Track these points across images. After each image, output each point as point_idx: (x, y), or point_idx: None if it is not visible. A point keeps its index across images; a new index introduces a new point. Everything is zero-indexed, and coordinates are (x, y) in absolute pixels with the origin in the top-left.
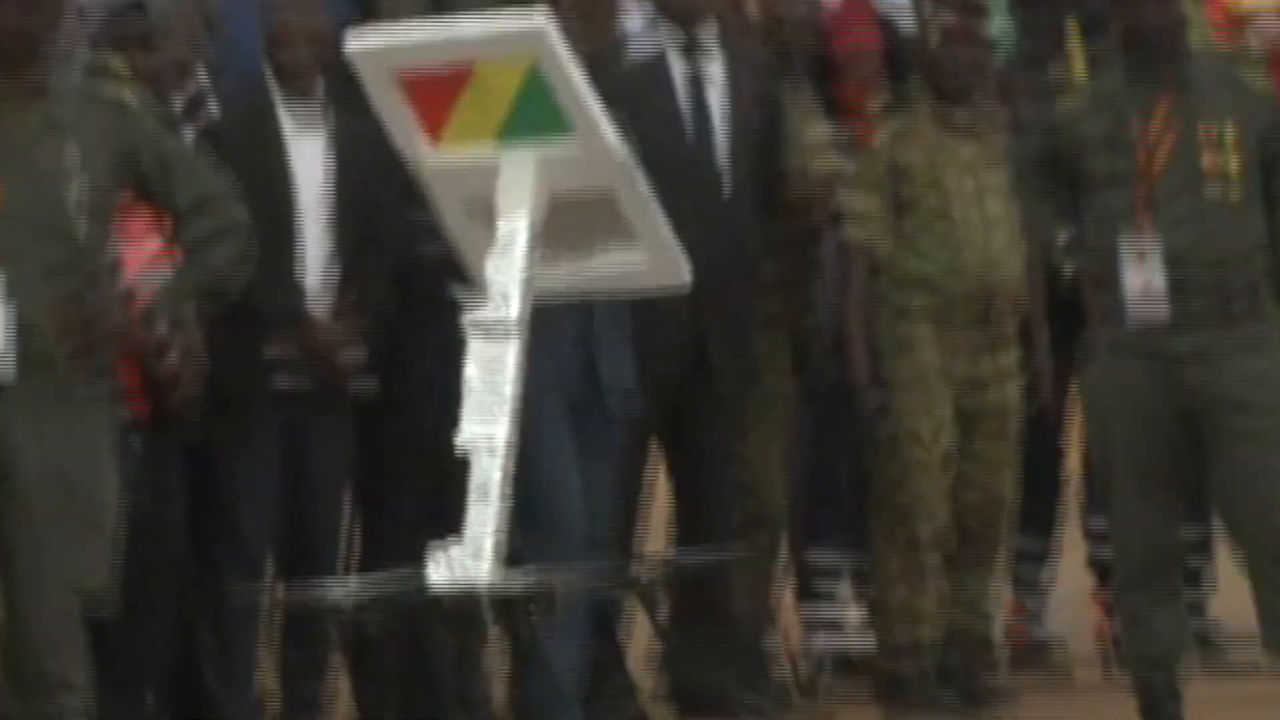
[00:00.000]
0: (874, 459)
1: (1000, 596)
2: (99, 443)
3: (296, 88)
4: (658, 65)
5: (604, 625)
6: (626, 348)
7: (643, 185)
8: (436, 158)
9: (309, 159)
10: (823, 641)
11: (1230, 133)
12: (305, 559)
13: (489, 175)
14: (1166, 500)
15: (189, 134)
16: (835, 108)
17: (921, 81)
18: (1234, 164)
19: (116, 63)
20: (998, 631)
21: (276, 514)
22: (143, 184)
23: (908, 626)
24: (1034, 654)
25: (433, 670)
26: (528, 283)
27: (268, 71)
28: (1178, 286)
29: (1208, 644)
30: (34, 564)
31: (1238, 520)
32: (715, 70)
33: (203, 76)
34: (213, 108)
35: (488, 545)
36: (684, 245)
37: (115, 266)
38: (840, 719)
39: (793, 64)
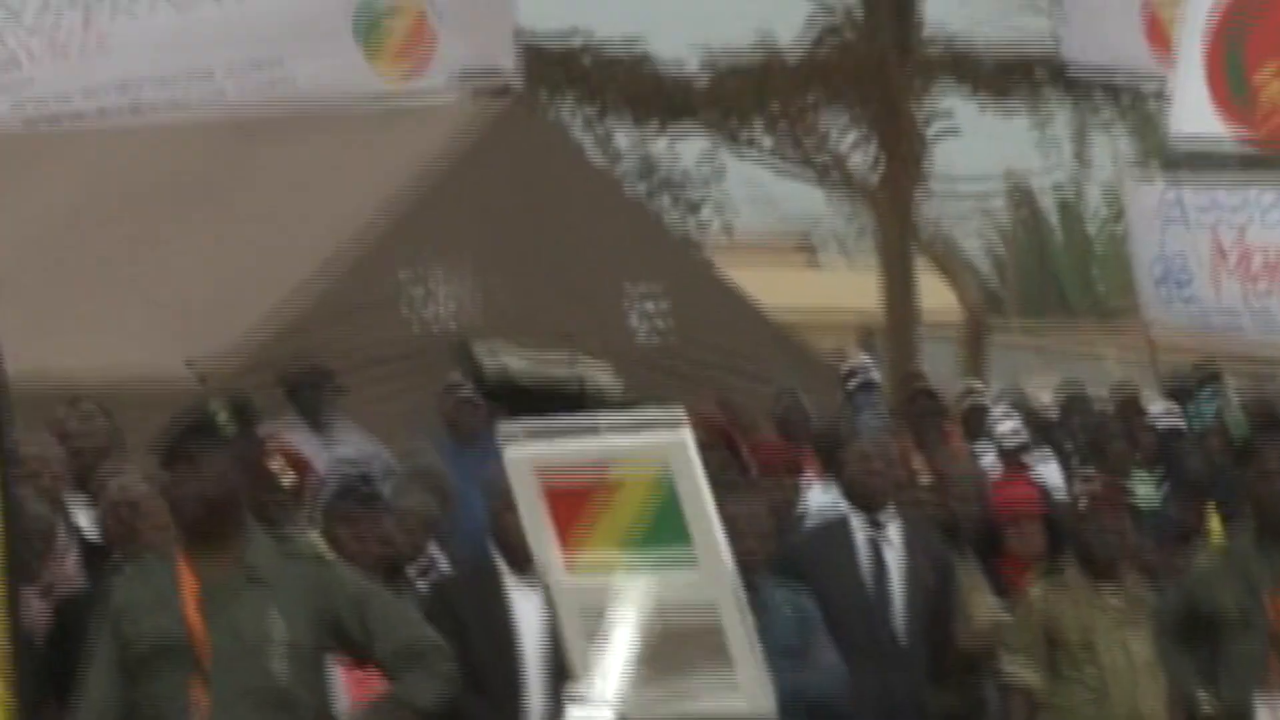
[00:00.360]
0: None
1: None
2: None
3: (517, 559)
4: (840, 527)
5: None
6: None
7: (747, 614)
8: (567, 578)
9: (530, 616)
10: None
11: None
12: None
13: (608, 582)
14: None
15: (422, 587)
16: (998, 578)
17: (1073, 553)
18: None
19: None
20: None
21: None
22: (344, 639)
23: None
24: None
25: None
26: (627, 675)
27: (491, 542)
28: None
29: None
30: None
31: None
32: (893, 532)
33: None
34: (442, 564)
35: None
36: (862, 687)
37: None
38: None
39: (959, 530)
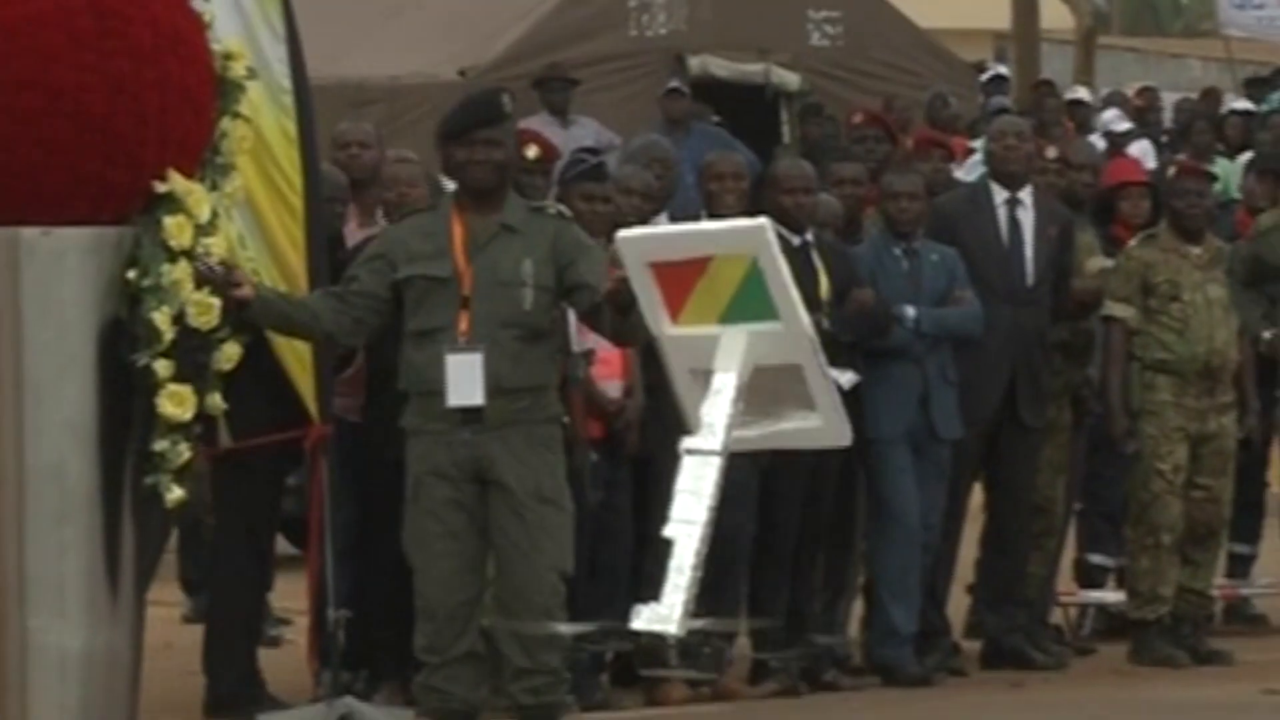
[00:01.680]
0: (1131, 488)
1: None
2: (551, 452)
3: (722, 215)
4: (983, 191)
5: (935, 602)
6: (953, 401)
7: (824, 362)
8: (673, 331)
9: None
10: (1090, 597)
11: None
12: None
13: (710, 346)
14: None
15: None
16: (1110, 241)
17: (1165, 216)
18: None
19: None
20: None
21: None
22: (565, 281)
23: (1151, 592)
24: (1243, 618)
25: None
26: (730, 423)
27: (704, 211)
28: None
29: None
30: (525, 551)
31: None
32: (1025, 197)
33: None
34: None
35: (678, 608)
36: (996, 321)
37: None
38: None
39: (1080, 200)
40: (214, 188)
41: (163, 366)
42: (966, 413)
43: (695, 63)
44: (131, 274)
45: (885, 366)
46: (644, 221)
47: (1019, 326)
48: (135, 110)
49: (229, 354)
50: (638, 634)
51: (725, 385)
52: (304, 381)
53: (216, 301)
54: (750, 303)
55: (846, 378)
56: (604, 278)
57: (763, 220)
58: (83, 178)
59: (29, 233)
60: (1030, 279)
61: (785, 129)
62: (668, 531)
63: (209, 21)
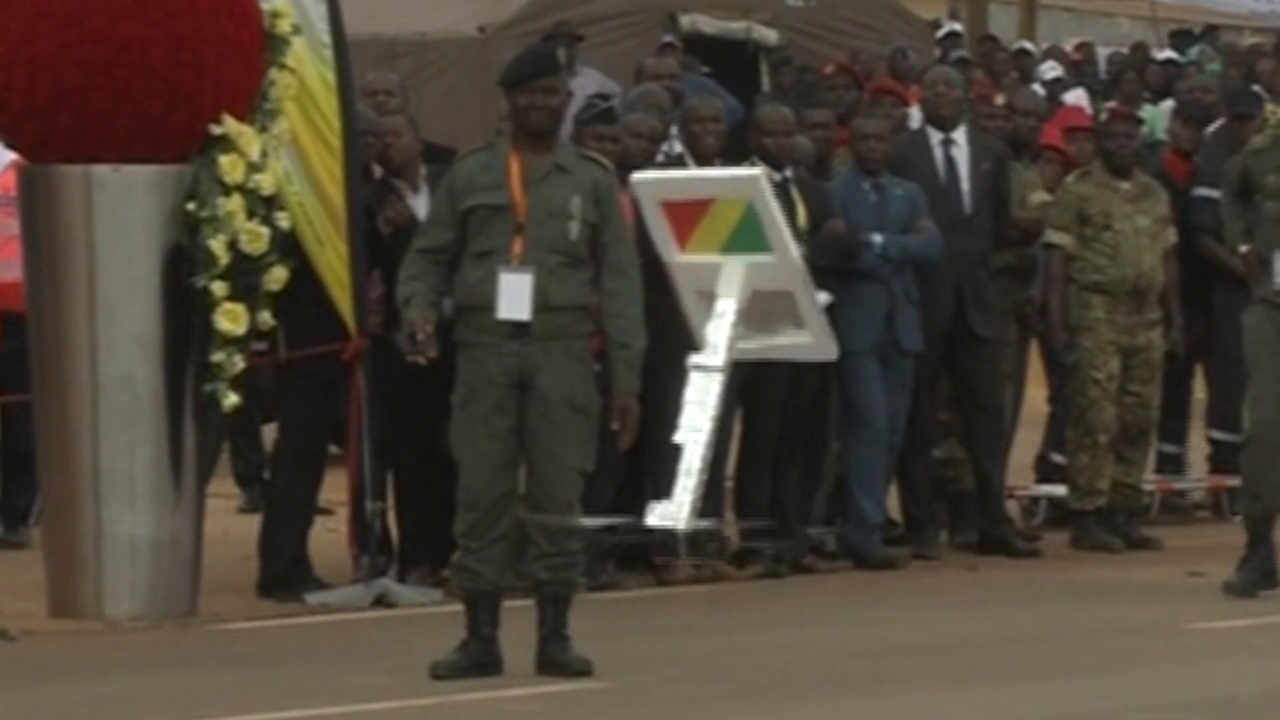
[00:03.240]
0: (1070, 393)
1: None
2: (585, 365)
3: (702, 155)
4: (920, 136)
5: (915, 496)
6: (915, 318)
7: (812, 289)
8: (681, 258)
9: None
10: (1041, 490)
11: None
12: None
13: (713, 272)
14: None
15: None
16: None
17: (1100, 156)
18: None
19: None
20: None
21: None
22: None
23: (1089, 487)
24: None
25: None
26: (732, 343)
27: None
28: None
29: None
30: (553, 450)
31: None
32: (958, 135)
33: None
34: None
35: (687, 505)
36: (944, 246)
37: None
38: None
39: (1027, 142)
40: (263, 130)
41: (219, 287)
42: (925, 329)
43: (685, 21)
44: (191, 206)
45: (855, 287)
46: (648, 159)
47: (961, 250)
48: (194, 62)
49: (277, 276)
50: (651, 529)
51: (727, 309)
52: (343, 300)
53: (266, 230)
54: (747, 237)
55: (822, 297)
56: (625, 238)
57: (758, 170)
58: (147, 121)
59: (100, 170)
60: (968, 208)
61: (764, 80)
62: (677, 438)
63: None
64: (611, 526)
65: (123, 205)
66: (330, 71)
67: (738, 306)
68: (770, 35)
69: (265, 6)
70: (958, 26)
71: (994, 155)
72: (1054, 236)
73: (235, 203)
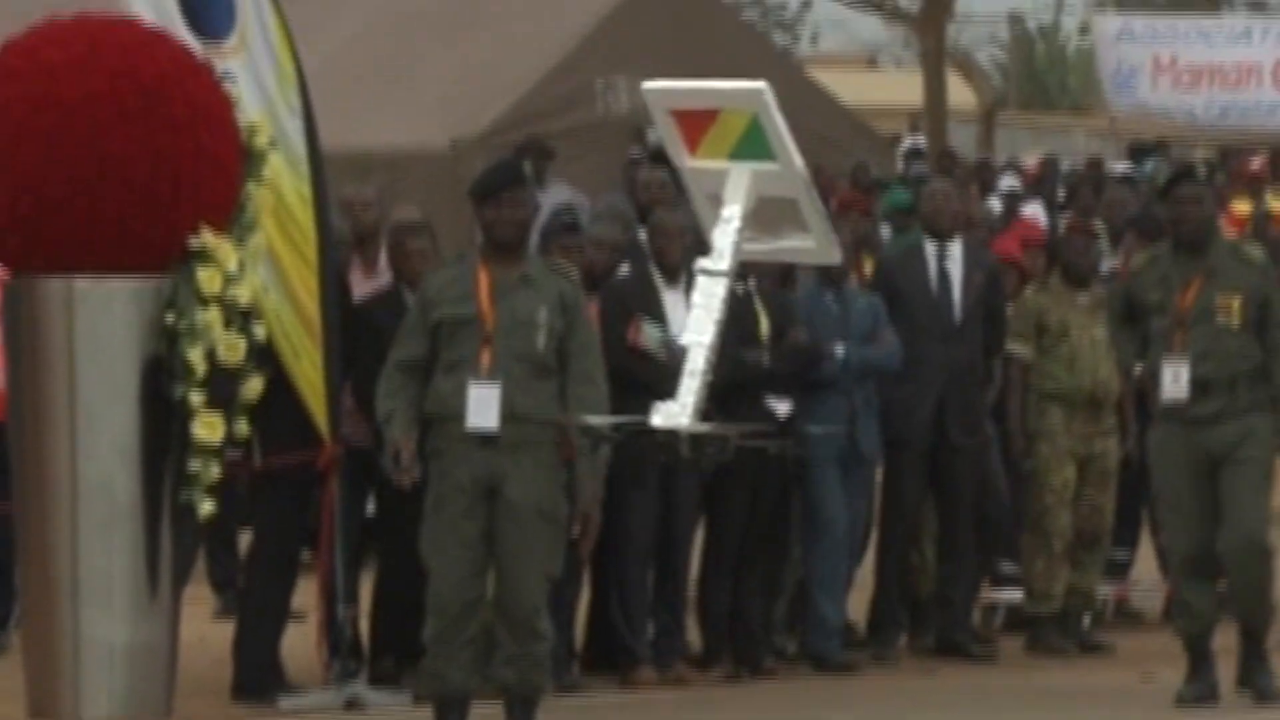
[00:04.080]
0: (1027, 500)
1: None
2: (553, 472)
3: (668, 271)
4: (916, 243)
5: (887, 598)
6: (875, 427)
7: (816, 197)
8: (691, 163)
9: (676, 309)
10: (1001, 596)
11: (1236, 297)
12: None
13: (721, 178)
14: (1196, 511)
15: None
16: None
17: (1059, 267)
18: (1236, 311)
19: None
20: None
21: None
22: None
23: (1044, 592)
24: (1127, 615)
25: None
26: (738, 246)
27: (650, 260)
28: (1196, 383)
29: None
30: (521, 556)
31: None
32: (954, 247)
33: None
34: (623, 270)
35: (690, 406)
36: (930, 355)
37: None
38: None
39: None
40: (241, 243)
41: (197, 397)
42: (903, 433)
43: (653, 135)
44: (170, 317)
45: (818, 396)
46: (610, 271)
47: (950, 359)
48: (173, 176)
49: (254, 386)
50: (654, 430)
51: (732, 215)
52: (318, 409)
53: (243, 340)
54: (753, 146)
55: (784, 407)
56: (591, 347)
57: (762, 84)
58: (128, 234)
59: (82, 283)
60: (958, 318)
61: None
62: (683, 340)
63: (237, 100)
64: (617, 425)
65: (103, 317)
66: (306, 185)
67: (743, 213)
68: None
69: (243, 121)
70: (920, 141)
71: (987, 267)
72: (1013, 346)
73: (213, 314)
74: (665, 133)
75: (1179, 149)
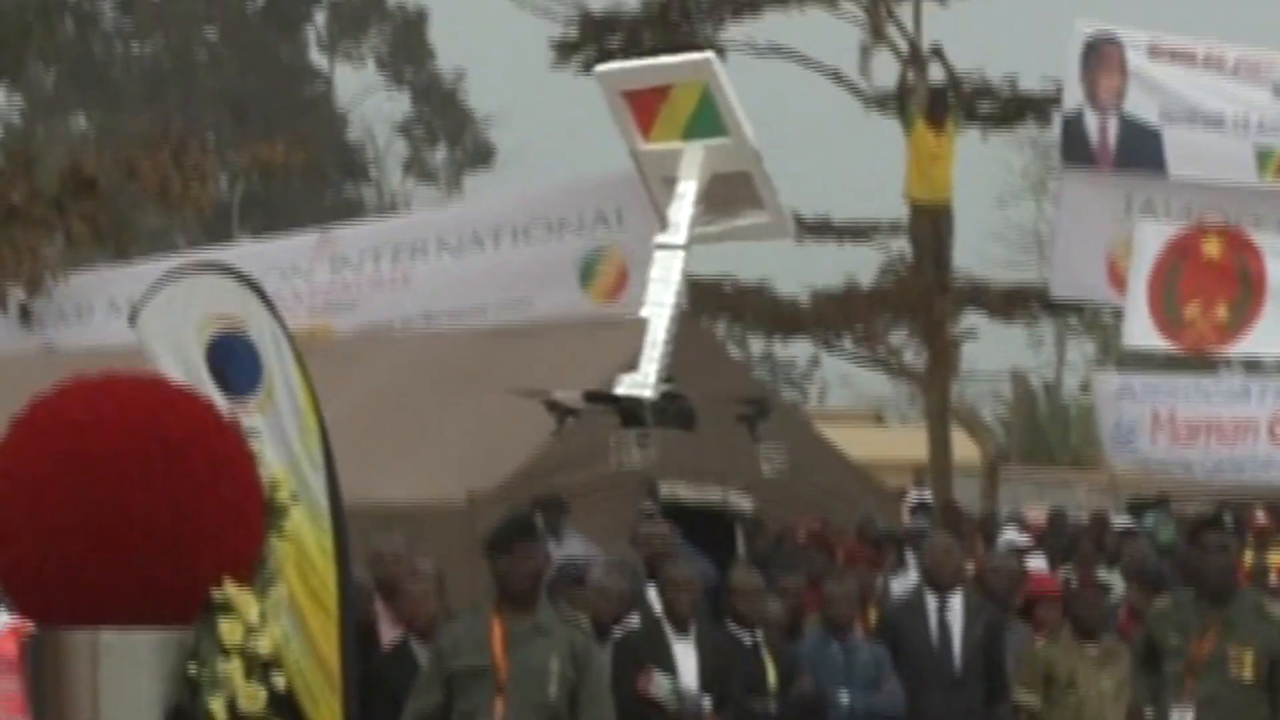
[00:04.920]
0: None
1: None
2: None
3: (678, 622)
4: (917, 595)
5: None
6: None
7: (769, 174)
8: (645, 146)
9: (687, 660)
10: None
11: (1250, 651)
12: None
13: (675, 159)
14: None
15: (609, 646)
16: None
17: (1069, 620)
18: (1249, 665)
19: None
20: None
21: None
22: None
23: None
24: None
25: None
26: (692, 221)
27: (663, 611)
28: None
29: None
30: None
31: None
32: (954, 598)
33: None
34: (633, 622)
35: (653, 375)
36: (930, 705)
37: None
38: None
39: (1006, 606)
40: (263, 594)
41: None
42: None
43: (665, 489)
44: (192, 668)
45: None
46: (616, 620)
47: (950, 708)
48: (196, 530)
49: None
50: (618, 398)
51: (687, 191)
52: None
53: (263, 690)
54: (705, 122)
55: None
56: (602, 696)
57: (709, 53)
58: (152, 587)
59: (107, 635)
60: (958, 669)
61: (740, 545)
62: (643, 313)
63: (260, 455)
64: (588, 395)
65: (128, 668)
66: (328, 538)
67: (698, 188)
68: (745, 503)
69: (265, 476)
70: (925, 495)
71: (987, 619)
72: (1021, 695)
73: (234, 664)
74: (618, 118)
75: (1177, 504)
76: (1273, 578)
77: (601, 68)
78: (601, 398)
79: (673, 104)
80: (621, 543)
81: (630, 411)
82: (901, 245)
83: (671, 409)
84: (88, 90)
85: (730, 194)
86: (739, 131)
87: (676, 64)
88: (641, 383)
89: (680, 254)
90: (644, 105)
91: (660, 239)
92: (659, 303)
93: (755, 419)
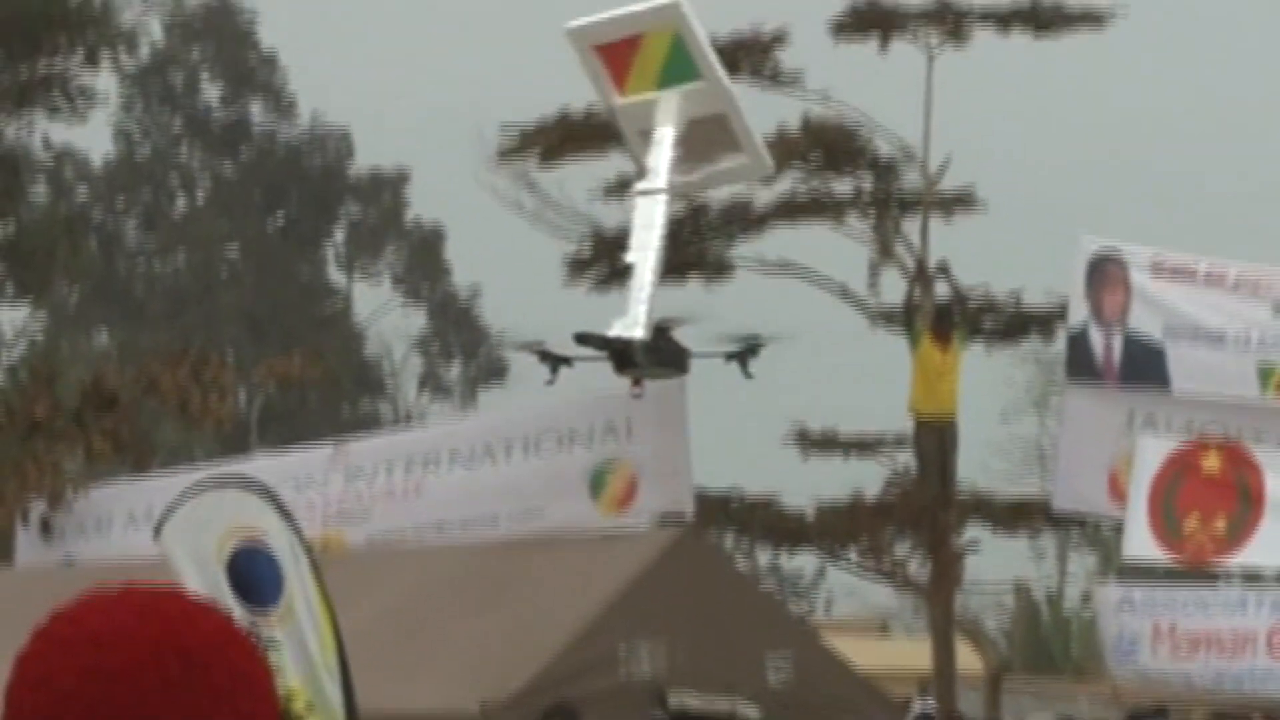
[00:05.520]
0: None
1: None
2: None
3: None
4: None
5: None
6: None
7: (744, 114)
8: (622, 101)
9: None
10: None
11: None
12: None
13: (652, 109)
14: None
15: None
16: None
17: None
18: None
19: None
20: None
21: None
22: None
23: None
24: None
25: None
26: (671, 165)
27: None
28: None
29: None
30: None
31: None
32: None
33: None
34: None
35: (642, 316)
36: None
37: None
38: None
39: None
40: None
41: None
42: None
43: (674, 700)
44: None
45: None
46: None
47: None
48: None
49: None
50: (609, 340)
51: (665, 136)
52: None
53: None
54: (678, 68)
55: None
56: None
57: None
58: None
59: None
60: None
61: None
62: (629, 258)
63: (279, 666)
64: (579, 337)
65: None
66: None
67: (675, 134)
68: (752, 712)
69: (282, 688)
70: (930, 705)
71: None
72: None
73: None
74: (592, 74)
75: (1177, 714)
76: None
77: (572, 24)
78: (592, 339)
79: (645, 53)
80: None
81: (622, 353)
82: (906, 458)
83: (664, 348)
84: (110, 306)
85: (708, 139)
86: (712, 73)
87: (645, 11)
88: (631, 324)
89: (662, 197)
90: (617, 58)
91: (641, 186)
92: (643, 247)
93: (746, 356)
